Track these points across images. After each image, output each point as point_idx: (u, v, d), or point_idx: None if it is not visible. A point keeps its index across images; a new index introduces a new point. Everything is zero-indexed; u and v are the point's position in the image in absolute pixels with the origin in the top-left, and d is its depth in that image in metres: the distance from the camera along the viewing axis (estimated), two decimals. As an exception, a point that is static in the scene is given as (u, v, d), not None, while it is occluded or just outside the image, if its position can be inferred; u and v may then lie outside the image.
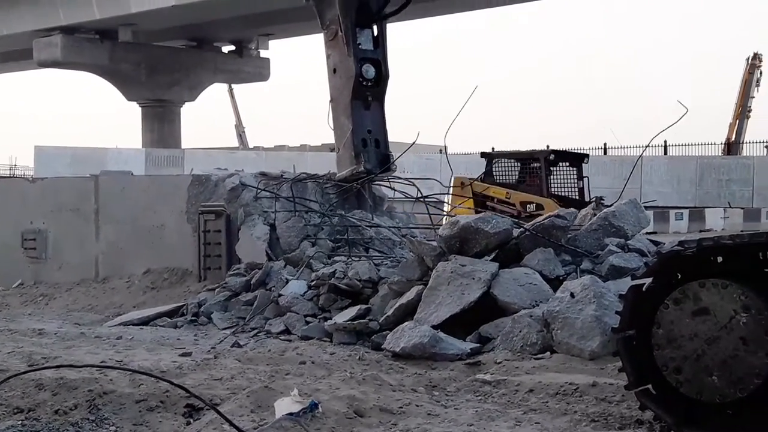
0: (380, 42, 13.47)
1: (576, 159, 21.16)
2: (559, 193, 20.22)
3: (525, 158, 21.12)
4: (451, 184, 20.26)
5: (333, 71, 13.50)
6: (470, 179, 20.64)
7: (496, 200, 19.82)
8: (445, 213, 15.55)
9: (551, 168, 20.60)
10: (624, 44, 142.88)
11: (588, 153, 23.66)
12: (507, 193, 19.96)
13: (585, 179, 20.66)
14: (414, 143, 15.10)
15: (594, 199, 20.98)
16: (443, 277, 9.17)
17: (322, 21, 13.64)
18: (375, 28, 13.49)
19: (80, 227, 14.32)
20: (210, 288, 11.71)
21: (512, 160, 21.42)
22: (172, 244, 13.18)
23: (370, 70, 13.24)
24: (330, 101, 13.66)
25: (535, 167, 20.60)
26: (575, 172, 20.79)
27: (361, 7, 13.30)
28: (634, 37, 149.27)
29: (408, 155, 17.86)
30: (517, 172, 21.05)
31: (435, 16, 46.46)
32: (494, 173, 21.04)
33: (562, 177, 20.78)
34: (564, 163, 20.92)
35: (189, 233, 12.97)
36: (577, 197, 19.94)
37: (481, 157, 21.98)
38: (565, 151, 22.20)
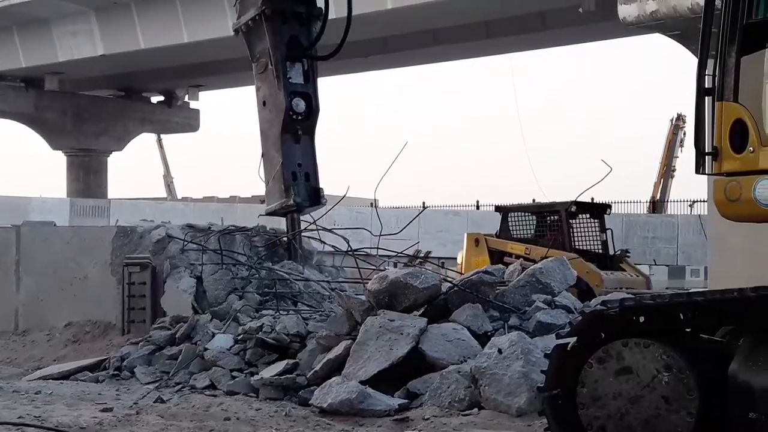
0: (311, 76, 13.34)
1: (598, 210, 20.16)
2: (581, 247, 19.08)
3: (543, 211, 20.03)
4: (465, 241, 19.20)
5: (262, 104, 13.37)
6: (485, 235, 19.52)
7: (514, 257, 18.27)
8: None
9: (571, 221, 19.39)
10: (551, 103, 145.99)
11: (610, 204, 22.50)
12: (527, 248, 18.64)
13: (609, 231, 19.65)
14: (344, 196, 15.07)
15: (619, 252, 19.84)
16: (372, 331, 9.14)
17: (251, 53, 13.51)
18: (305, 62, 13.37)
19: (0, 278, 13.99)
20: (134, 341, 11.48)
21: (529, 214, 20.29)
22: (96, 297, 12.92)
23: (300, 104, 13.10)
24: (260, 135, 13.48)
25: (554, 220, 19.46)
26: (597, 224, 19.76)
27: (291, 41, 13.18)
28: (561, 96, 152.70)
29: (339, 208, 17.82)
30: (534, 226, 19.87)
31: (368, 71, 46.97)
32: (510, 228, 19.84)
33: (583, 230, 19.60)
34: (585, 215, 19.84)
35: (113, 285, 12.74)
36: (601, 251, 18.91)
37: (496, 211, 20.87)
38: (586, 202, 20.80)
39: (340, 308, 10.10)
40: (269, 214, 13.33)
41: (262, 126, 13.45)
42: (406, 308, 9.47)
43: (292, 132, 13.13)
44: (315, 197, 13.26)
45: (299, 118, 13.11)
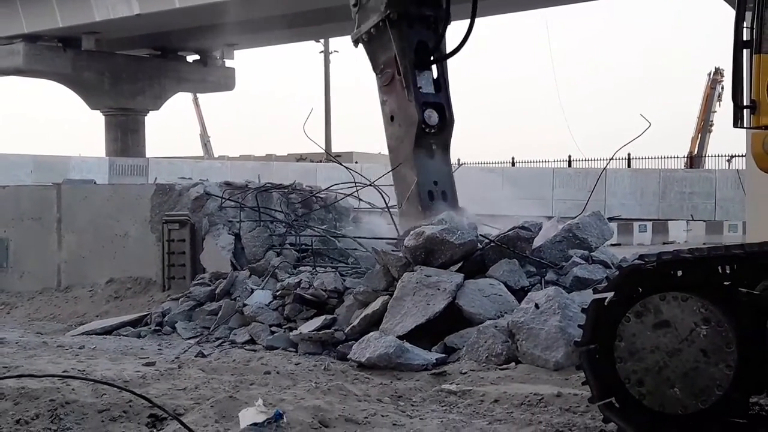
0: (442, 84, 12.27)
1: None
2: None
3: None
4: None
5: (390, 119, 12.26)
6: None
7: None
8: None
9: None
10: (587, 58, 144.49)
11: None
12: None
13: None
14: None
15: None
16: (409, 287, 9.20)
17: (374, 64, 12.46)
18: (435, 69, 12.38)
19: (42, 236, 14.20)
20: (174, 297, 11.65)
21: None
22: (136, 254, 13.10)
23: (433, 116, 12.00)
24: (389, 152, 12.51)
25: None
26: None
27: (419, 47, 12.20)
28: (597, 51, 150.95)
29: (374, 165, 17.82)
30: None
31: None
32: None
33: None
34: None
35: (153, 242, 12.91)
36: None
37: None
38: None
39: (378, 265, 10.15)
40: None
41: (390, 143, 12.40)
42: (442, 264, 9.52)
43: (426, 147, 12.06)
44: None
45: (432, 131, 12.05)
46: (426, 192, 11.98)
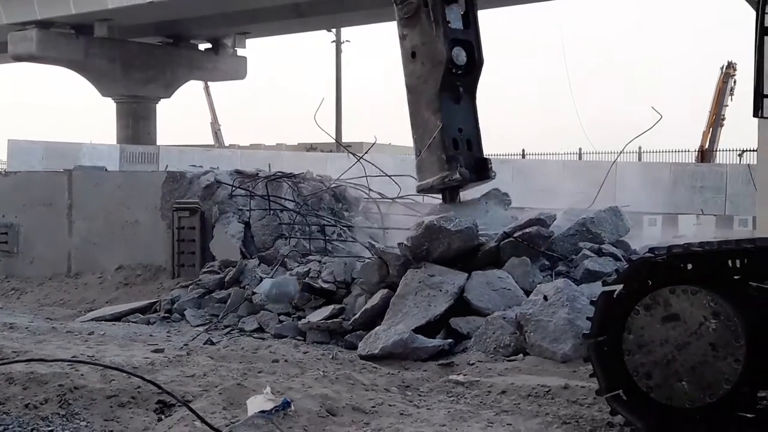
0: (471, 20, 10.87)
1: None
2: None
3: None
4: None
5: (411, 55, 10.92)
6: None
7: None
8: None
9: None
10: (598, 49, 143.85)
11: None
12: None
13: None
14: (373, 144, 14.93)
15: None
16: (412, 286, 9.10)
17: None
18: (464, 2, 10.95)
19: (53, 222, 14.26)
20: (183, 285, 11.69)
21: None
22: (146, 241, 13.14)
23: (461, 55, 10.69)
24: (407, 92, 11.13)
25: None
26: None
27: None
28: (608, 42, 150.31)
29: (383, 155, 17.79)
30: None
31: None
32: None
33: None
34: None
35: (163, 230, 12.94)
36: None
37: None
38: None
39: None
40: (423, 191, 11.38)
41: (410, 82, 11.04)
42: (441, 254, 9.36)
43: (452, 89, 10.82)
44: (481, 170, 11.05)
45: (460, 72, 10.80)
46: (450, 140, 10.79)
